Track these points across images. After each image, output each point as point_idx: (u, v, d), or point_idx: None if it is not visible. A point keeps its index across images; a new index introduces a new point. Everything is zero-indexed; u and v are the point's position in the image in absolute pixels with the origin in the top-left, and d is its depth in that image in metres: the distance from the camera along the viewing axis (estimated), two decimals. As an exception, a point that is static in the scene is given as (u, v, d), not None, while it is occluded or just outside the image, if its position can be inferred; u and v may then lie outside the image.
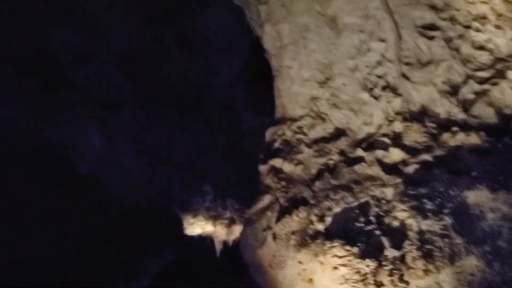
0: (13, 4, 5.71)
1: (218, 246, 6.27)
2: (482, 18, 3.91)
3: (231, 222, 6.29)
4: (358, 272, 3.44)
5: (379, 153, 3.88)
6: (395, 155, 3.79)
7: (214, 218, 6.45)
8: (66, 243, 6.44)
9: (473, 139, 3.63)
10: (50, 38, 6.10)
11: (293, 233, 3.85)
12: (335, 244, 3.57)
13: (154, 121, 7.08)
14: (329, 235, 3.64)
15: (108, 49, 6.77)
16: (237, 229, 6.09)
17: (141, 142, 6.90)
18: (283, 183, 4.15)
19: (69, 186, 6.54)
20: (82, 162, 6.42)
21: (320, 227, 3.72)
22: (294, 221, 3.87)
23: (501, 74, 3.75)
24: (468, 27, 3.89)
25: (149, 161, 6.96)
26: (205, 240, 6.64)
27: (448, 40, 3.89)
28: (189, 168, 7.10)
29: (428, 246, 3.27)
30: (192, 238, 7.14)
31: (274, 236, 3.96)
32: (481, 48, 3.87)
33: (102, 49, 6.73)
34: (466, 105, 3.77)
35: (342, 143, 4.03)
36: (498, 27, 3.92)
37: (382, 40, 4.02)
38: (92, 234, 6.76)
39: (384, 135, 3.95)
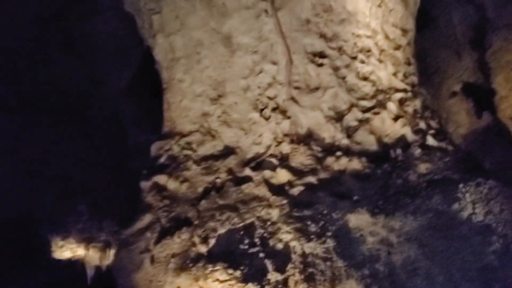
0: None
1: (90, 272, 5.72)
2: (367, 51, 4.14)
3: (106, 245, 5.79)
4: (239, 297, 3.29)
5: (267, 173, 3.84)
6: (282, 176, 3.78)
7: (87, 241, 5.90)
8: None
9: (355, 164, 3.76)
10: None
11: (173, 255, 3.60)
12: (217, 267, 3.40)
13: (29, 129, 6.40)
14: (211, 258, 3.46)
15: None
16: (112, 253, 5.62)
17: (13, 151, 6.17)
18: (167, 201, 3.91)
19: None
20: None
21: (203, 249, 3.53)
22: (176, 242, 3.63)
23: (382, 105, 3.98)
24: (354, 58, 4.08)
25: (21, 174, 6.23)
26: (76, 265, 6.03)
27: (336, 69, 4.04)
28: (64, 184, 6.48)
29: (310, 269, 3.25)
30: (62, 262, 6.48)
31: (152, 259, 3.68)
32: (365, 79, 4.07)
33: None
34: (349, 132, 3.91)
35: (231, 161, 3.93)
36: (380, 61, 4.17)
37: (274, 63, 4.06)
38: None
39: (272, 155, 3.93)
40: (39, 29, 6.33)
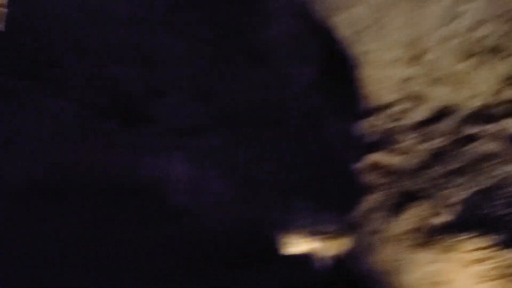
0: (82, 48, 5.86)
1: (323, 263, 5.82)
2: None
3: (333, 235, 5.84)
4: (498, 267, 2.86)
5: (494, 126, 3.31)
6: (516, 124, 3.20)
7: (314, 233, 6.04)
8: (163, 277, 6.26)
9: None
10: (121, 76, 6.18)
11: (408, 232, 3.35)
12: (463, 237, 3.02)
13: (236, 142, 6.89)
14: (453, 227, 3.10)
15: (179, 78, 6.75)
16: (340, 242, 5.63)
17: (227, 165, 6.72)
18: (387, 178, 3.68)
19: (162, 221, 6.44)
20: (172, 194, 6.33)
21: (441, 220, 3.19)
22: (408, 218, 3.38)
23: None
24: None
25: (238, 184, 6.74)
26: (307, 259, 6.21)
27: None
28: (279, 185, 6.78)
29: None
30: (292, 258, 6.76)
31: (386, 239, 3.48)
32: None
33: (173, 80, 6.73)
34: None
35: (449, 122, 3.50)
36: None
37: (476, -1, 3.50)
38: (186, 263, 6.56)
39: (496, 105, 3.37)
40: (221, 47, 6.77)
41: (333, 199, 6.01)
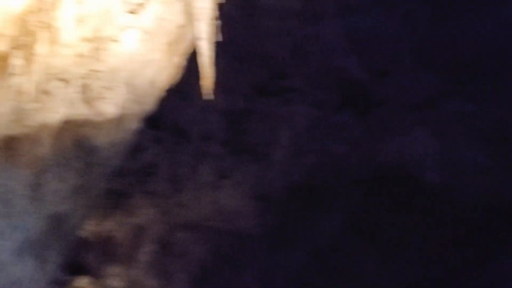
0: (300, 54, 6.11)
1: None
2: None
3: None
4: None
5: None
6: None
7: None
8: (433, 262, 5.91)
9: None
10: (342, 68, 6.28)
11: None
12: None
13: (480, 102, 6.31)
14: None
15: (398, 53, 6.53)
16: None
17: (476, 130, 6.16)
18: None
19: (420, 201, 6.18)
20: (424, 172, 6.02)
21: None
22: None
23: None
24: None
25: (495, 148, 6.10)
26: None
27: None
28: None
29: None
30: None
31: None
32: None
33: (393, 57, 6.54)
34: None
35: None
36: None
37: None
38: (455, 243, 6.10)
39: None
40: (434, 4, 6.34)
41: None
